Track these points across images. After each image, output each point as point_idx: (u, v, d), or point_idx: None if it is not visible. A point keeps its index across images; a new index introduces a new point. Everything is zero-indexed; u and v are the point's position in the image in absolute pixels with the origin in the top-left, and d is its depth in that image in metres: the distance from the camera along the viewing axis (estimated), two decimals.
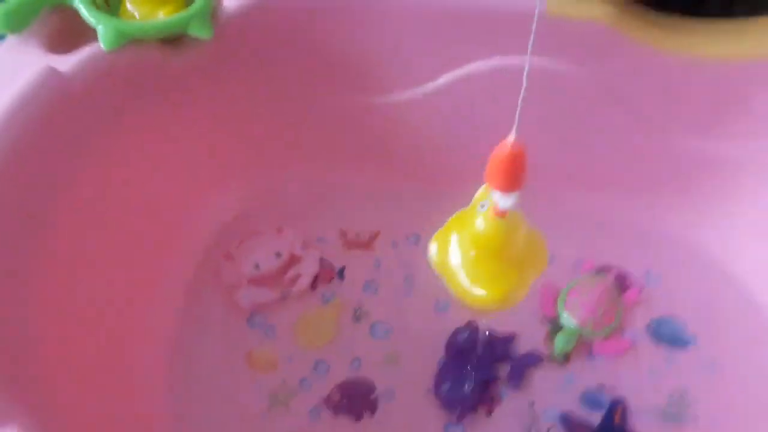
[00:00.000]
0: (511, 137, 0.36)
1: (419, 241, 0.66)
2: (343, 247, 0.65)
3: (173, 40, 0.53)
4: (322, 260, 0.63)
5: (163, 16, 0.52)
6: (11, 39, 0.50)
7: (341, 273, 0.63)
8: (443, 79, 0.59)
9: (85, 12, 0.50)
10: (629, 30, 0.54)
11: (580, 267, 0.64)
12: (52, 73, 0.47)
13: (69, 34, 0.50)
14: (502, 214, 0.41)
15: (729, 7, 0.57)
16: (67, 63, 0.48)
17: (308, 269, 0.61)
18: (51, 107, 0.47)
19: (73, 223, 0.49)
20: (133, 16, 0.53)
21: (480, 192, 0.43)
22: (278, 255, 0.61)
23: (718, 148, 0.60)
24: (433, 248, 0.45)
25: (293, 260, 0.62)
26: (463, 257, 0.44)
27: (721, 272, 0.64)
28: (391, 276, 0.64)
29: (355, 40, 0.57)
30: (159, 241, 0.59)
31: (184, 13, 0.52)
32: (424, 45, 0.57)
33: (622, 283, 0.63)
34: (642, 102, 0.57)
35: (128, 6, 0.53)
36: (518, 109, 0.36)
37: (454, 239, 0.44)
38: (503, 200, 0.40)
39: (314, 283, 0.61)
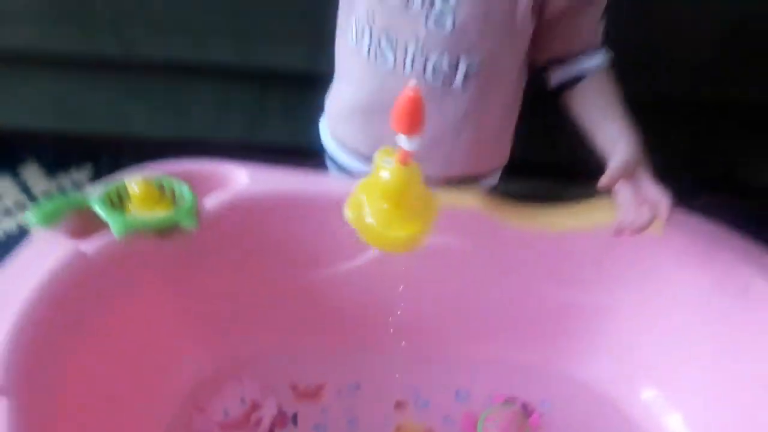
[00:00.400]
0: (412, 83, 0.44)
1: (359, 388, 0.80)
2: (294, 397, 0.78)
3: (167, 230, 0.70)
4: (278, 406, 0.75)
5: (159, 212, 0.70)
6: (41, 232, 0.66)
7: (294, 419, 0.75)
8: (369, 255, 0.78)
9: (100, 211, 0.68)
10: (496, 213, 0.75)
11: (493, 399, 0.80)
12: (78, 252, 0.63)
13: (88, 226, 0.67)
14: (406, 159, 0.48)
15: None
16: (86, 246, 0.65)
17: (268, 412, 0.73)
18: (75, 277, 0.62)
19: (73, 374, 0.61)
20: (136, 213, 0.70)
21: (378, 154, 0.51)
22: (243, 401, 0.73)
23: (585, 297, 0.79)
24: (347, 213, 0.52)
25: (255, 406, 0.74)
26: (377, 212, 0.51)
27: (612, 407, 0.80)
28: (337, 421, 0.76)
29: (305, 226, 0.75)
30: (139, 398, 0.69)
31: (175, 211, 0.70)
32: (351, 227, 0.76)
33: (526, 410, 0.79)
34: (513, 264, 0.77)
35: (130, 208, 0.71)
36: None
37: (364, 200, 0.52)
38: (408, 143, 0.46)
39: (272, 427, 0.73)
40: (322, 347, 0.82)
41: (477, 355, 0.82)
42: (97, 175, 1.21)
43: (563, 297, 0.80)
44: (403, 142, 0.46)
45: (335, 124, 0.81)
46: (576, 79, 0.72)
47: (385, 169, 0.50)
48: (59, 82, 1.11)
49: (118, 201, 0.70)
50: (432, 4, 0.66)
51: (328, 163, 0.86)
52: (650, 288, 0.77)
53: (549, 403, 0.80)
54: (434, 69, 0.69)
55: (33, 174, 1.20)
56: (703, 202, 1.19)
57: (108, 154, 1.25)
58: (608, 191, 0.67)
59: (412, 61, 0.69)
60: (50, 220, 0.66)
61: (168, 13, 0.98)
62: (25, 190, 1.16)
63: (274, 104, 1.09)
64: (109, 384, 0.66)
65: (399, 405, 0.79)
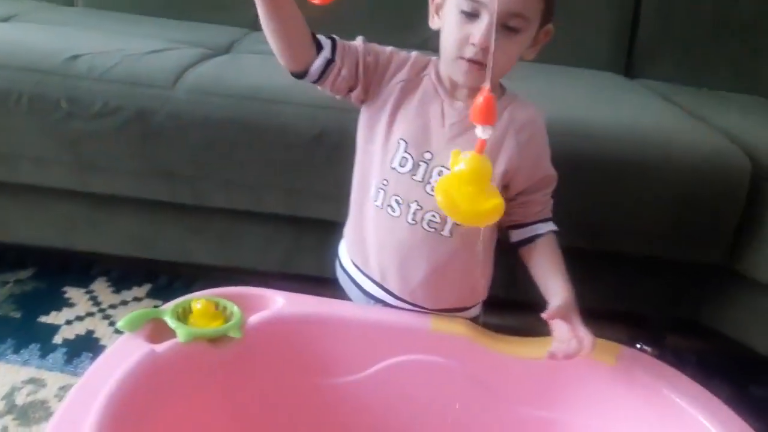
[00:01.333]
0: (486, 85, 0.61)
1: None
2: None
3: (219, 338, 0.90)
4: None
5: (214, 324, 0.90)
6: (126, 335, 0.86)
7: None
8: (373, 369, 0.92)
9: (169, 321, 0.88)
10: (480, 340, 0.90)
11: None
12: (151, 351, 0.82)
13: (161, 332, 0.87)
14: (482, 147, 0.62)
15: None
16: (160, 348, 0.84)
17: None
18: (147, 371, 0.81)
19: None
20: (195, 325, 0.90)
21: (452, 156, 0.67)
22: None
23: (550, 414, 0.91)
24: (439, 199, 0.66)
25: None
26: (464, 195, 0.64)
27: None
28: None
29: (327, 339, 0.90)
30: None
31: (226, 325, 0.90)
32: (363, 344, 0.92)
33: None
34: (492, 382, 0.91)
35: (192, 321, 0.91)
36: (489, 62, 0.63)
37: (451, 190, 0.65)
38: (484, 132, 0.61)
39: None
40: None
41: None
42: (154, 293, 1.41)
43: (535, 415, 0.92)
44: (480, 132, 0.61)
45: (351, 246, 1.00)
46: (530, 240, 0.94)
47: (463, 161, 0.65)
48: (138, 218, 1.33)
49: (183, 315, 0.91)
50: (431, 176, 0.90)
51: (342, 281, 1.05)
52: (610, 409, 0.88)
53: None
54: (429, 221, 0.90)
55: (102, 289, 1.42)
56: (671, 342, 1.36)
57: (165, 276, 1.46)
58: (547, 325, 0.86)
59: (413, 214, 0.91)
60: (134, 326, 0.86)
61: (233, 172, 1.23)
62: (95, 301, 1.38)
63: (308, 244, 1.31)
64: None
65: None
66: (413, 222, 0.91)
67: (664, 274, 1.32)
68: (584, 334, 0.82)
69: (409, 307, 0.96)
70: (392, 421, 0.95)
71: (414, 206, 0.91)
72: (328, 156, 1.18)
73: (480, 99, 0.60)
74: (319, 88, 0.90)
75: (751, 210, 1.18)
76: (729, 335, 1.28)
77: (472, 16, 0.80)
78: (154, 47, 1.34)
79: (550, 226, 0.94)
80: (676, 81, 1.76)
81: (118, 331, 0.87)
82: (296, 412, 0.94)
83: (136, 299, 1.38)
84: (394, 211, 0.92)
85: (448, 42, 0.85)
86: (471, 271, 0.94)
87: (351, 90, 0.91)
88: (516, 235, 0.95)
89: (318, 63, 0.86)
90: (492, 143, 0.87)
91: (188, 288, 1.41)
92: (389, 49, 0.93)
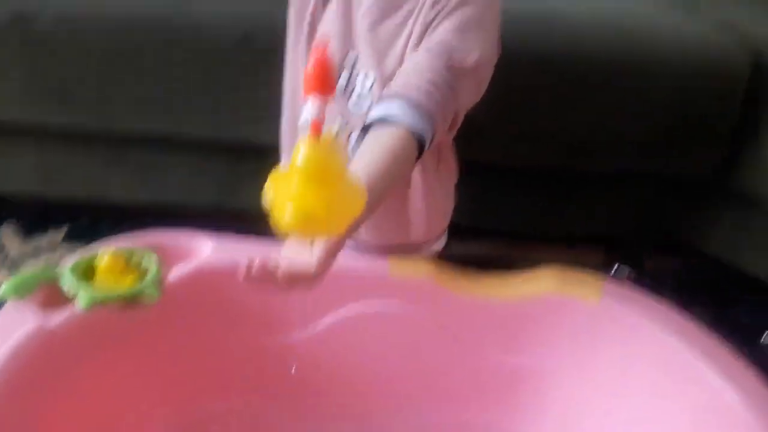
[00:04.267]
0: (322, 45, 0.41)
1: None
2: None
3: (131, 300, 0.75)
4: None
5: (125, 283, 0.74)
6: (12, 303, 0.71)
7: None
8: (324, 320, 0.82)
9: (68, 284, 0.72)
10: (445, 282, 0.81)
11: None
12: (43, 324, 0.68)
13: (57, 297, 0.72)
14: (319, 126, 0.43)
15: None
16: (53, 318, 0.69)
17: None
18: (38, 351, 0.67)
19: None
20: (101, 286, 0.75)
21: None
22: None
23: (530, 362, 0.82)
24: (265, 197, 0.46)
25: None
26: (315, 200, 0.44)
27: None
28: None
29: (264, 293, 0.77)
30: None
31: (140, 284, 0.75)
32: (311, 293, 0.79)
33: None
34: (459, 329, 0.82)
35: (98, 279, 0.75)
36: None
37: (300, 201, 0.44)
38: (315, 105, 0.42)
39: None
40: (282, 411, 0.85)
41: (426, 418, 0.86)
42: (74, 235, 1.25)
43: (509, 362, 0.84)
44: (311, 107, 0.43)
45: None
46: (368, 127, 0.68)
47: (300, 145, 0.45)
48: (41, 150, 1.15)
49: (86, 273, 0.75)
50: (353, 89, 0.74)
51: None
52: (590, 354, 0.81)
53: None
54: (357, 144, 0.74)
55: (10, 235, 1.23)
56: (650, 263, 1.27)
57: (85, 217, 1.29)
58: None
59: (339, 132, 0.76)
60: (22, 292, 0.70)
61: (145, 91, 1.04)
62: (1, 249, 1.20)
63: (244, 173, 1.13)
64: None
65: None
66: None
67: (642, 192, 1.20)
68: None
69: (353, 243, 0.84)
70: (350, 378, 0.85)
71: (338, 123, 0.77)
72: (255, 65, 0.99)
73: (310, 60, 0.43)
74: None
75: (749, 114, 1.04)
76: (711, 254, 1.18)
77: None
78: None
79: (400, 111, 0.64)
80: None
81: None
82: (238, 378, 0.84)
83: (52, 245, 1.20)
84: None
85: None
86: (412, 201, 0.81)
87: None
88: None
89: None
90: (388, 35, 0.72)
91: (114, 230, 1.25)
92: None
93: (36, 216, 1.28)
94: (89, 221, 1.28)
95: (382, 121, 0.65)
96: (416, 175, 0.78)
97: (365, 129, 0.67)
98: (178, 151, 1.13)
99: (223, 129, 1.06)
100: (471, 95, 0.72)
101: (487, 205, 1.13)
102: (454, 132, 0.76)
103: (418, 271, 0.82)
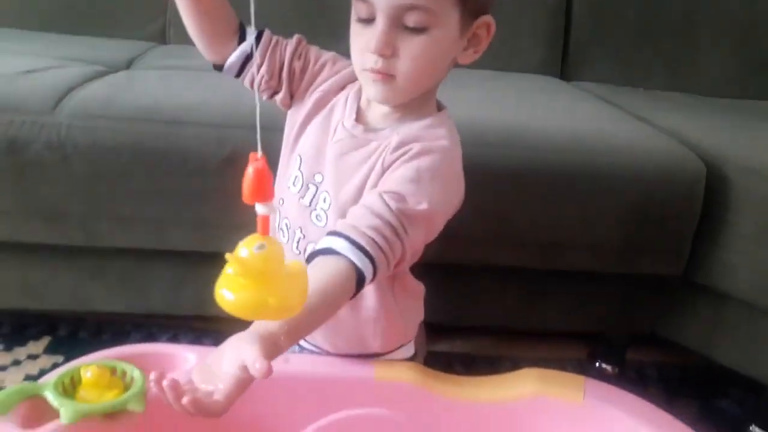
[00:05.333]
0: (259, 153, 0.44)
1: None
2: None
3: (116, 413, 0.74)
4: None
5: (109, 396, 0.74)
6: None
7: None
8: (310, 429, 0.80)
9: (51, 398, 0.71)
10: (428, 386, 0.81)
11: None
12: None
13: (40, 413, 0.71)
14: (265, 226, 0.45)
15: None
16: None
17: None
18: None
19: None
20: (85, 400, 0.74)
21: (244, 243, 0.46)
22: None
23: None
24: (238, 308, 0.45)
25: None
26: (270, 291, 0.45)
27: None
28: None
29: (252, 400, 0.71)
30: None
31: (123, 397, 0.74)
32: (297, 402, 0.80)
33: None
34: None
35: (82, 393, 0.75)
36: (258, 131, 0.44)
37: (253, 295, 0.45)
38: (263, 208, 0.44)
39: None
40: None
41: None
42: (54, 346, 1.23)
43: None
44: (259, 208, 0.45)
45: None
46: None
47: (242, 246, 0.47)
48: (25, 266, 1.16)
49: (71, 386, 0.74)
50: (315, 205, 0.78)
51: None
52: None
53: None
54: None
55: None
56: (632, 358, 1.29)
57: (65, 328, 1.28)
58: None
59: (298, 243, 0.79)
60: (3, 408, 0.69)
61: (133, 210, 1.07)
62: None
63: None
64: None
65: None
66: (297, 252, 0.80)
67: (618, 289, 1.24)
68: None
69: (312, 348, 0.87)
70: None
71: (299, 234, 0.80)
72: (239, 181, 1.02)
73: (249, 170, 0.45)
74: (246, 84, 0.81)
75: (708, 216, 1.11)
76: (691, 348, 1.21)
77: (368, 21, 0.69)
78: (34, 66, 1.18)
79: (344, 247, 0.66)
80: (612, 82, 1.71)
81: None
82: None
83: (31, 357, 1.19)
84: (283, 236, 0.82)
85: (353, 54, 0.74)
86: (364, 319, 0.82)
87: (275, 93, 0.81)
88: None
89: (234, 56, 0.79)
90: (350, 167, 0.76)
91: (94, 339, 1.25)
92: (329, 55, 0.83)
93: (16, 328, 1.26)
94: (69, 332, 1.27)
95: (327, 252, 0.67)
96: (370, 294, 0.80)
97: (311, 256, 0.68)
98: (160, 261, 1.15)
99: (208, 242, 1.08)
100: (422, 238, 0.73)
101: (469, 303, 1.15)
102: (405, 265, 0.78)
103: (404, 376, 0.83)
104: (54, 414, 0.70)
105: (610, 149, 1.14)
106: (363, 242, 0.66)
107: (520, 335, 1.24)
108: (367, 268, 0.66)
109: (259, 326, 0.58)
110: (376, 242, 0.67)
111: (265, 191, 0.45)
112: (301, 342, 0.87)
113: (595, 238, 1.13)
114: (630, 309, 1.25)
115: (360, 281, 0.66)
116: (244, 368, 0.54)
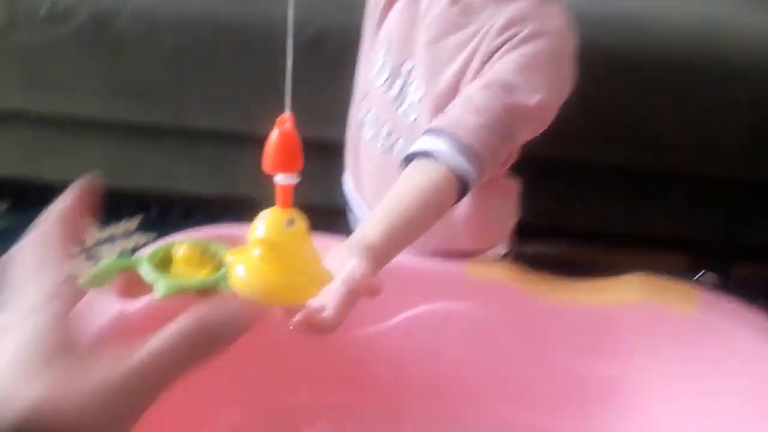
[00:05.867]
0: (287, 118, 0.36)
1: None
2: None
3: (206, 292, 0.74)
4: None
5: (201, 276, 0.74)
6: (93, 292, 0.71)
7: None
8: (399, 318, 0.79)
9: (145, 273, 0.72)
10: (522, 285, 0.77)
11: None
12: (123, 310, 0.67)
13: (135, 287, 0.71)
14: (287, 197, 0.37)
15: None
16: (131, 306, 0.68)
17: None
18: (118, 335, 0.66)
19: None
20: (178, 275, 0.74)
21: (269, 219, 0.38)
22: None
23: (600, 368, 0.78)
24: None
25: None
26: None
27: None
28: None
29: None
30: None
31: (216, 275, 0.74)
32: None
33: None
34: (539, 334, 0.78)
35: (174, 270, 0.75)
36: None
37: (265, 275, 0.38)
38: (286, 178, 0.37)
39: None
40: (352, 408, 0.83)
41: (499, 418, 0.82)
42: (146, 225, 1.27)
43: (591, 369, 0.79)
44: (281, 178, 0.38)
45: (348, 168, 0.85)
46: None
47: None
48: (114, 144, 1.17)
49: (163, 263, 0.75)
50: (404, 98, 0.71)
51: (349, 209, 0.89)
52: (682, 367, 0.75)
53: None
54: (402, 151, 0.69)
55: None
56: (740, 271, 1.20)
57: (156, 208, 1.31)
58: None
59: (385, 139, 0.73)
60: (102, 280, 0.70)
61: (218, 90, 1.04)
62: None
63: (311, 168, 1.11)
64: None
65: None
66: (384, 149, 0.74)
67: (732, 197, 1.14)
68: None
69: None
70: (419, 377, 0.82)
71: (386, 129, 0.74)
72: (327, 64, 0.97)
73: (273, 134, 0.36)
74: None
75: None
76: None
77: None
78: None
79: (446, 149, 0.59)
80: None
81: None
82: (302, 368, 0.82)
83: (126, 234, 1.22)
84: (368, 132, 0.76)
85: None
86: (456, 219, 0.75)
87: None
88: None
89: None
90: (447, 52, 0.67)
91: (185, 220, 1.27)
92: None
93: (109, 207, 1.30)
94: (160, 212, 1.30)
95: (426, 155, 0.60)
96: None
97: (407, 159, 0.62)
98: (247, 146, 1.12)
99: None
100: (530, 135, 0.66)
101: (566, 204, 1.08)
102: (508, 165, 0.71)
103: (497, 274, 0.79)
104: (147, 288, 0.70)
105: (736, 38, 1.01)
106: (468, 143, 0.59)
107: (618, 242, 1.16)
108: (471, 173, 0.60)
109: (361, 239, 0.54)
110: (484, 141, 0.60)
111: (292, 159, 0.36)
112: None
113: (716, 138, 1.03)
114: (742, 219, 1.15)
115: (464, 187, 0.60)
116: (353, 281, 0.49)
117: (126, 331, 0.67)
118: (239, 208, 1.30)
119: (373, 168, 0.77)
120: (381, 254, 0.53)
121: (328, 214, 0.86)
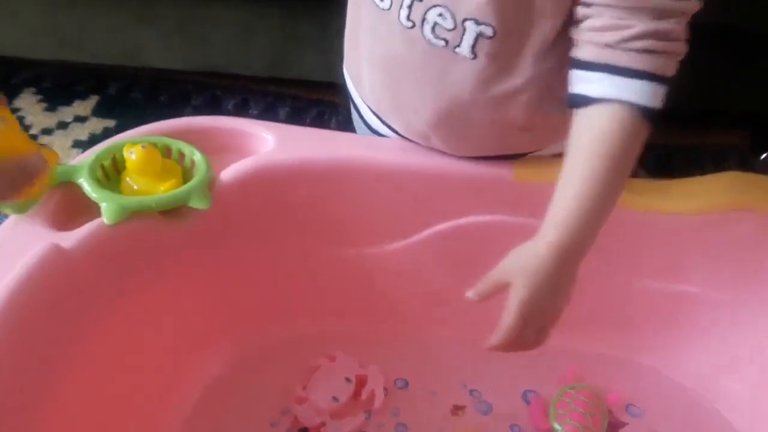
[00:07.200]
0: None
1: (408, 386, 0.69)
2: None
3: (173, 210, 0.56)
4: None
5: (163, 187, 0.56)
6: (16, 217, 0.53)
7: None
8: (426, 233, 0.66)
9: (89, 189, 0.54)
10: None
11: (563, 381, 0.70)
12: (56, 250, 0.50)
13: (73, 209, 0.53)
14: None
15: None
16: (70, 239, 0.51)
17: (377, 383, 0.66)
18: (55, 283, 0.49)
19: (71, 389, 0.50)
20: (132, 189, 0.56)
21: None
22: (348, 380, 0.66)
23: (681, 288, 0.68)
24: None
25: (361, 380, 0.66)
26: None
27: (699, 404, 0.69)
28: (380, 427, 0.65)
29: (343, 200, 0.63)
30: (148, 401, 0.59)
31: (184, 188, 0.55)
32: (406, 204, 0.64)
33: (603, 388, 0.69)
34: (609, 249, 0.63)
35: (128, 180, 0.57)
36: None
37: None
38: None
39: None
40: (357, 335, 0.71)
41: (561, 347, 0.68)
42: (104, 108, 1.10)
43: (667, 287, 0.69)
44: None
45: (346, 50, 0.68)
46: (577, 101, 0.50)
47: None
48: (61, 5, 0.98)
49: (113, 170, 0.56)
50: None
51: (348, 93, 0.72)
52: (746, 284, 0.66)
53: (633, 407, 0.69)
54: (435, 25, 0.53)
55: (30, 106, 1.07)
56: None
57: (115, 86, 1.14)
58: None
59: (409, 10, 0.53)
60: (24, 204, 0.52)
61: None
62: (21, 123, 1.03)
63: (304, 33, 0.96)
64: (111, 391, 0.55)
65: (456, 409, 0.68)
66: (410, 24, 0.54)
67: None
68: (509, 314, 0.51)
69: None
70: (446, 299, 0.66)
71: None
72: None
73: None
74: None
75: None
76: None
77: None
78: None
79: (623, 92, 0.48)
80: None
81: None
82: (299, 296, 0.70)
83: (78, 119, 1.04)
84: (383, 1, 0.55)
85: None
86: (521, 107, 0.57)
87: None
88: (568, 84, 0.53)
89: None
90: None
91: (150, 101, 1.09)
92: None
93: (59, 84, 1.10)
94: (120, 91, 1.14)
95: (589, 101, 0.49)
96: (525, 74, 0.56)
97: (575, 103, 0.50)
98: (224, 5, 0.95)
99: None
100: None
101: None
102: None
103: (552, 176, 0.61)
104: (95, 209, 0.53)
105: None
106: (647, 66, 0.47)
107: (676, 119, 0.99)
108: (658, 98, 0.48)
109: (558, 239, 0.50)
110: (663, 56, 0.48)
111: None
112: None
113: None
114: None
115: (649, 115, 0.48)
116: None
117: (64, 274, 0.50)
118: (214, 86, 1.13)
119: (389, 53, 0.57)
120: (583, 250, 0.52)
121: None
